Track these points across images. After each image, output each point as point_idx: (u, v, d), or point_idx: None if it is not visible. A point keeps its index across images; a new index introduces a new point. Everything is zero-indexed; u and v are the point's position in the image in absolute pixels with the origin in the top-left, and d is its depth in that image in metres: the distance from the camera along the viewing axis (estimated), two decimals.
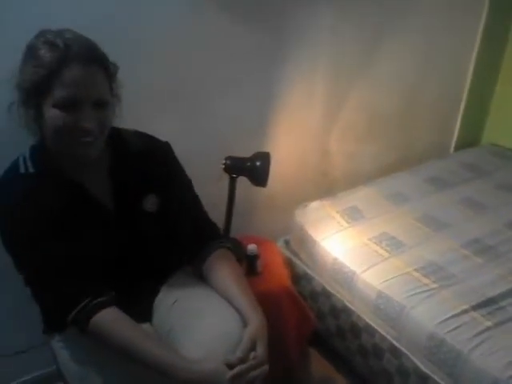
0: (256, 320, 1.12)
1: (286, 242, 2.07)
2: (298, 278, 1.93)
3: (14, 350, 1.65)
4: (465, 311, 1.50)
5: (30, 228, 1.09)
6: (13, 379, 1.72)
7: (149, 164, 1.24)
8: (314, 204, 2.02)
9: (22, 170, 1.12)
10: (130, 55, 1.47)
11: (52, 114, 1.04)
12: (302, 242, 1.96)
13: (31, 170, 1.12)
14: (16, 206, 1.09)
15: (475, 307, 1.51)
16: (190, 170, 1.37)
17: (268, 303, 1.27)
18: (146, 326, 1.25)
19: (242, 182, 1.65)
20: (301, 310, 1.74)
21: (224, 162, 1.61)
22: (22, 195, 1.09)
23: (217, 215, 1.42)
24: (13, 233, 1.11)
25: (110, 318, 1.09)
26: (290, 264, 1.94)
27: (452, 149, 2.70)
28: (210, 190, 1.44)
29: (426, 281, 1.62)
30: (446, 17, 2.27)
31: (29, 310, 1.32)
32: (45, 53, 1.02)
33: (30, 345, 1.63)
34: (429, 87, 2.41)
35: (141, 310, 1.24)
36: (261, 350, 1.07)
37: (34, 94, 1.04)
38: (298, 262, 1.97)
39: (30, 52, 1.05)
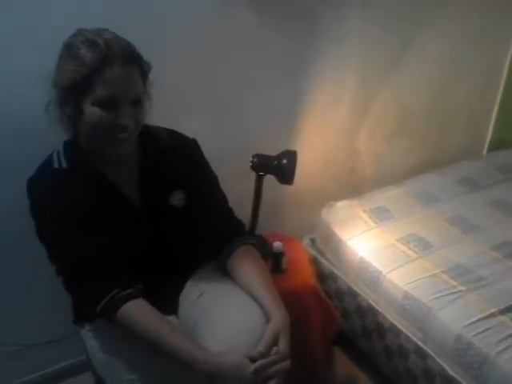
0: (279, 315, 1.13)
1: (312, 241, 2.07)
2: (323, 276, 1.93)
3: (46, 339, 1.71)
4: (492, 314, 1.47)
5: (62, 222, 1.13)
6: (44, 368, 1.78)
7: (176, 160, 1.27)
8: (341, 203, 2.01)
9: (56, 165, 1.17)
10: (161, 54, 1.49)
11: (92, 111, 1.08)
12: (328, 241, 1.96)
13: (64, 165, 1.17)
14: (49, 200, 1.13)
15: (503, 311, 1.48)
16: (217, 167, 1.39)
17: (293, 301, 1.28)
18: (171, 318, 1.27)
19: (268, 180, 1.66)
20: (326, 309, 1.74)
21: (251, 159, 1.62)
22: (55, 190, 1.14)
23: (243, 212, 1.44)
24: (46, 226, 1.15)
25: (137, 309, 1.12)
26: (315, 263, 1.94)
27: (485, 150, 2.65)
28: (236, 187, 1.46)
29: (453, 283, 1.60)
30: (481, 16, 2.23)
31: (62, 299, 1.37)
32: (86, 52, 1.05)
33: (62, 335, 1.68)
34: (461, 86, 2.38)
35: (166, 304, 1.26)
36: (283, 345, 1.09)
37: (73, 92, 1.08)
38: (323, 260, 1.96)
39: (69, 51, 1.08)
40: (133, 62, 1.10)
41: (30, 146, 1.35)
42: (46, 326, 1.69)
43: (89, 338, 1.27)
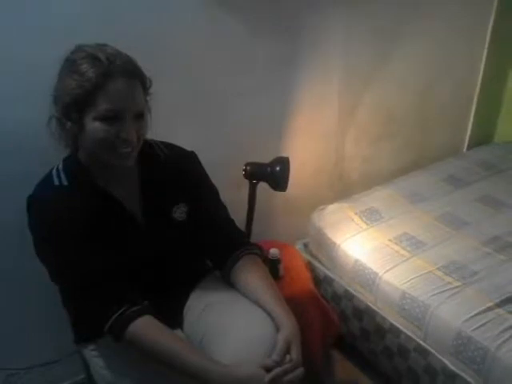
0: (289, 324, 1.13)
1: (305, 245, 2.08)
2: (318, 280, 1.94)
3: (42, 361, 1.67)
4: (490, 308, 1.51)
5: (64, 240, 1.11)
6: None
7: (177, 173, 1.26)
8: (332, 206, 2.03)
9: (56, 182, 1.15)
10: (152, 67, 1.50)
11: (94, 126, 1.07)
12: (321, 245, 1.97)
13: (65, 182, 1.15)
14: (51, 217, 1.11)
15: (500, 304, 1.52)
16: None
17: (292, 307, 1.27)
18: (176, 332, 1.25)
19: (258, 187, 1.67)
20: (324, 313, 1.74)
21: (244, 168, 1.62)
22: (56, 207, 1.12)
23: (236, 221, 1.43)
24: (48, 244, 1.13)
25: (147, 327, 1.10)
26: (309, 267, 1.95)
27: (465, 147, 2.71)
28: (228, 196, 1.45)
29: (449, 279, 1.63)
30: (457, 18, 2.30)
31: (57, 320, 1.35)
32: (88, 67, 1.04)
33: (59, 356, 1.65)
34: (442, 86, 2.43)
35: (171, 317, 1.25)
36: (295, 354, 1.09)
37: (75, 107, 1.07)
38: (317, 264, 1.97)
39: (71, 67, 1.07)
40: (135, 76, 1.09)
41: (28, 162, 1.34)
42: (42, 347, 1.65)
43: (93, 357, 1.24)
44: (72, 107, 1.07)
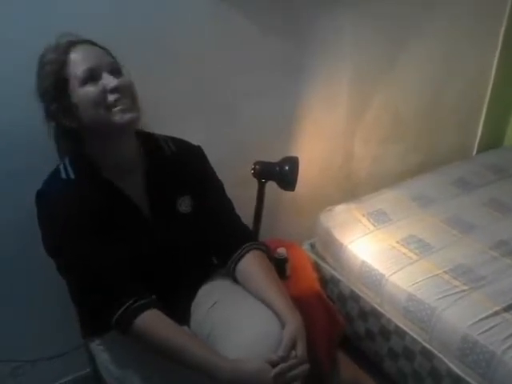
0: (294, 320, 1.14)
1: (312, 246, 2.08)
2: (324, 281, 1.94)
3: (48, 354, 1.68)
4: (496, 312, 1.50)
5: (72, 233, 1.12)
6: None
7: (183, 166, 1.27)
8: (340, 207, 2.03)
9: (64, 175, 1.16)
10: (157, 66, 1.51)
11: (82, 93, 1.09)
12: (328, 246, 1.97)
13: (72, 175, 1.16)
14: (59, 211, 1.12)
15: (507, 308, 1.51)
16: (218, 176, 1.39)
17: (298, 306, 1.27)
18: (184, 328, 1.26)
19: (266, 186, 1.67)
20: (330, 313, 1.74)
21: (253, 166, 1.62)
22: (64, 200, 1.13)
23: (243, 220, 1.43)
24: (55, 237, 1.14)
25: (153, 320, 1.11)
26: (316, 267, 1.95)
27: (475, 150, 2.70)
28: (236, 194, 1.46)
29: (456, 283, 1.62)
30: (468, 20, 2.28)
31: (64, 314, 1.36)
32: (51, 53, 1.11)
33: (65, 349, 1.66)
34: (452, 89, 2.42)
35: (178, 313, 1.24)
36: (301, 350, 1.10)
37: (58, 92, 1.10)
38: (324, 265, 1.97)
39: (41, 62, 1.13)
40: (97, 45, 1.15)
41: (30, 160, 1.36)
42: (48, 341, 1.67)
43: (99, 351, 1.25)
44: (56, 94, 1.10)
